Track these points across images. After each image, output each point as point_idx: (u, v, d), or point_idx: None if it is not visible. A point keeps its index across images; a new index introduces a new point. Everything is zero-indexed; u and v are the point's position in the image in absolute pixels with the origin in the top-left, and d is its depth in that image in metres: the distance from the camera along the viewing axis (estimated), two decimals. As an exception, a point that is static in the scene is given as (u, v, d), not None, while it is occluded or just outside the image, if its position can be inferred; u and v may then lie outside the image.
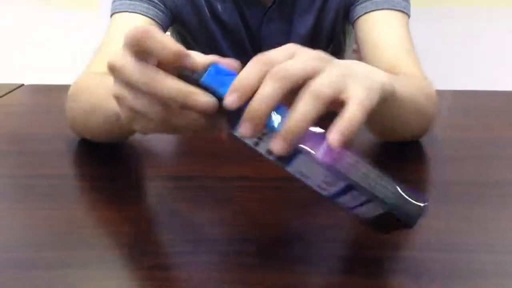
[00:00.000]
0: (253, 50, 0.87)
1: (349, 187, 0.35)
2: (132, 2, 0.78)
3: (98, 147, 0.67)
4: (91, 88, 0.61)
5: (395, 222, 0.36)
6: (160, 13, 0.80)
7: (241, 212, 0.51)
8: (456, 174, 0.60)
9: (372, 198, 0.35)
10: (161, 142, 0.71)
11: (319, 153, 0.34)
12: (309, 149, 0.34)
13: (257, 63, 0.35)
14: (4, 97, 0.92)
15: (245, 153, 0.39)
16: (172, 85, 0.34)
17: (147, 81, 0.35)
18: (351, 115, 0.34)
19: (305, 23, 0.83)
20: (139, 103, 0.36)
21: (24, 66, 2.52)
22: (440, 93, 0.66)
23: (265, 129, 0.34)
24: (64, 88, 0.96)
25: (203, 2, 0.82)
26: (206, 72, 0.35)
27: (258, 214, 0.51)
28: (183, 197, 0.54)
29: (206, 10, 0.83)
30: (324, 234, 0.47)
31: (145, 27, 0.35)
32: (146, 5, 0.78)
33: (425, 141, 0.67)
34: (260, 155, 0.36)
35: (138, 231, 0.48)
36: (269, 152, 0.35)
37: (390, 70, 0.69)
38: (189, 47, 0.86)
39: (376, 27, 0.76)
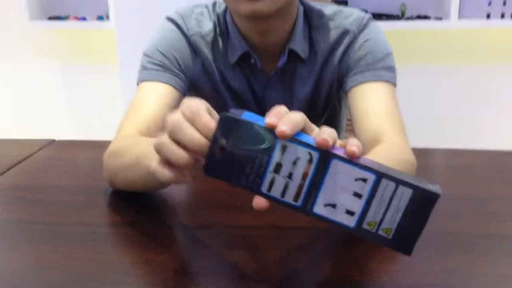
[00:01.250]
0: (258, 111, 0.96)
1: (379, 178, 0.42)
2: (157, 73, 0.88)
3: (126, 198, 0.75)
4: (130, 148, 0.70)
5: (423, 208, 0.42)
6: (181, 82, 0.90)
7: (252, 256, 0.58)
8: (455, 225, 0.67)
9: (399, 183, 0.42)
10: (184, 193, 0.79)
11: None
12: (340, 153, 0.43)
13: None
14: (38, 152, 1.01)
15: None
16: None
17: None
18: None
19: (304, 90, 0.93)
20: (180, 156, 0.45)
21: (52, 121, 2.65)
22: (441, 151, 0.74)
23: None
24: (91, 144, 1.06)
25: (216, 71, 0.93)
26: (244, 113, 0.45)
27: (269, 257, 0.58)
28: (204, 243, 0.62)
29: (218, 79, 0.93)
30: (329, 282, 0.54)
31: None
32: (169, 75, 0.89)
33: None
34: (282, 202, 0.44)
35: (167, 270, 0.55)
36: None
37: (375, 139, 0.77)
38: None
39: (363, 97, 0.84)
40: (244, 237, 0.63)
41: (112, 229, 0.69)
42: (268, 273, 0.54)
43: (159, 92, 0.87)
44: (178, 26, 0.92)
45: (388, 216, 0.43)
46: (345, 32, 0.89)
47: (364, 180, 0.43)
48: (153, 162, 0.49)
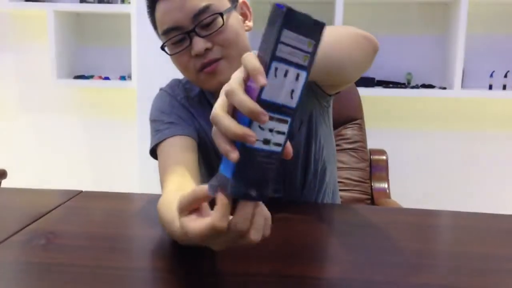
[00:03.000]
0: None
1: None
2: (170, 130, 0.99)
3: (147, 244, 0.82)
4: (167, 206, 0.79)
5: None
6: (192, 131, 1.01)
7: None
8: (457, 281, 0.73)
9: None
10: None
11: None
12: None
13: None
14: (67, 202, 1.09)
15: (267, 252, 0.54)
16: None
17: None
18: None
19: None
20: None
21: (76, 173, 2.75)
22: (442, 212, 0.81)
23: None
24: (115, 195, 1.14)
25: (209, 128, 1.04)
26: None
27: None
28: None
29: (208, 135, 1.04)
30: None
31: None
32: (181, 128, 1.00)
33: (429, 253, 0.81)
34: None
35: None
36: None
37: None
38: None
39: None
40: (246, 284, 0.69)
41: (142, 274, 0.76)
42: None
43: (179, 143, 0.97)
44: (169, 94, 1.06)
45: None
46: None
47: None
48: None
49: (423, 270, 0.74)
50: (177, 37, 0.94)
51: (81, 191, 1.17)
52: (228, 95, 0.50)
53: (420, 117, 2.49)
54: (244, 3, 1.02)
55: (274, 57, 0.48)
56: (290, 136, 0.53)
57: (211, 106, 1.03)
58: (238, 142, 0.50)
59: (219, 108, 0.51)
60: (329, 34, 0.70)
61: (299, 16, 0.48)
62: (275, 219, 0.98)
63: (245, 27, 1.00)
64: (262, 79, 0.47)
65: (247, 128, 0.49)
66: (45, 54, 2.58)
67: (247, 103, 0.47)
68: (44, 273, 0.75)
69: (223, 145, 0.50)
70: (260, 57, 0.50)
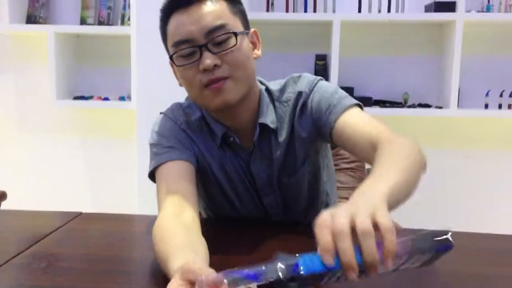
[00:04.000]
0: (250, 185, 1.08)
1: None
2: (169, 154, 1.00)
3: (146, 267, 0.83)
4: (162, 234, 0.82)
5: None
6: (191, 157, 1.02)
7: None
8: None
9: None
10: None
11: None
12: None
13: (321, 229, 0.57)
14: (66, 224, 1.10)
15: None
16: None
17: None
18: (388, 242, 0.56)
19: (281, 152, 1.05)
20: None
21: (75, 194, 2.76)
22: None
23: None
24: (114, 217, 1.15)
25: (208, 154, 1.05)
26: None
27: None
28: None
29: (211, 161, 1.05)
30: None
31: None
32: (179, 153, 1.00)
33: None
34: None
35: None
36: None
37: (373, 147, 0.89)
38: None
39: (344, 130, 0.97)
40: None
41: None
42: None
43: (177, 168, 0.98)
44: (169, 118, 1.06)
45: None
46: (300, 94, 1.04)
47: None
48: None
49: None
50: (187, 50, 0.94)
51: (81, 213, 1.18)
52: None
53: (416, 136, 2.50)
54: (255, 32, 1.05)
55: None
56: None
57: (210, 131, 1.04)
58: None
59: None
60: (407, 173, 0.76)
61: None
62: (274, 240, 1.00)
63: (254, 55, 1.02)
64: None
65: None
66: (45, 75, 2.61)
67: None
68: (45, 296, 0.75)
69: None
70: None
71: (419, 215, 2.45)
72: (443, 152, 2.55)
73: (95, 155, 2.75)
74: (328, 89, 1.03)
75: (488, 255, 0.94)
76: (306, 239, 0.96)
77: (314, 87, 1.04)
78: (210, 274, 0.57)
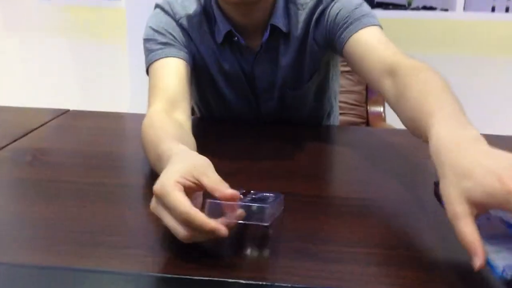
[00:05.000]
0: (249, 88, 1.02)
1: None
2: (164, 50, 0.92)
3: (136, 162, 0.80)
4: (151, 126, 0.77)
5: None
6: (187, 55, 0.94)
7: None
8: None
9: None
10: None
11: None
12: None
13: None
14: (53, 120, 1.05)
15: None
16: (203, 224, 0.49)
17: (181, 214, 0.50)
18: None
19: (287, 60, 0.98)
20: (171, 224, 0.52)
21: (64, 94, 2.70)
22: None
23: None
24: (101, 114, 1.11)
25: (207, 52, 0.98)
26: None
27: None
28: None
29: (210, 59, 0.98)
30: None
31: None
32: (175, 50, 0.93)
33: (424, 170, 0.79)
34: None
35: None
36: None
37: (388, 70, 0.79)
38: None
39: (359, 44, 0.88)
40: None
41: (126, 190, 0.73)
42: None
43: (171, 66, 0.91)
44: (166, 11, 0.97)
45: None
46: (319, 2, 0.94)
47: None
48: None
49: (417, 187, 0.73)
50: None
51: (68, 110, 1.13)
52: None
53: (420, 40, 2.41)
54: None
55: None
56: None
57: (210, 27, 0.96)
58: None
59: None
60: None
61: None
62: (274, 140, 0.96)
63: None
64: None
65: None
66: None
67: None
68: (30, 188, 0.72)
69: None
70: None
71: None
72: (447, 57, 2.47)
73: (84, 55, 2.65)
74: (350, 2, 0.93)
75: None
76: (306, 142, 0.92)
77: None
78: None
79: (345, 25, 0.91)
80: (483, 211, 0.48)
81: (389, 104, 0.79)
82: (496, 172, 0.46)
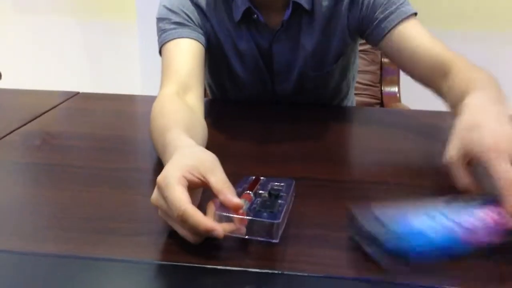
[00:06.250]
0: (265, 68, 0.98)
1: None
2: (177, 31, 0.90)
3: (148, 146, 0.78)
4: (161, 110, 0.75)
5: None
6: (201, 35, 0.92)
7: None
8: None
9: None
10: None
11: None
12: None
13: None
14: (63, 103, 1.04)
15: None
16: (198, 222, 0.47)
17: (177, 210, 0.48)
18: None
19: (311, 42, 0.94)
20: (169, 219, 0.51)
21: (76, 74, 2.68)
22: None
23: None
24: (112, 97, 1.09)
25: (222, 32, 0.94)
26: None
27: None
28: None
29: (225, 39, 0.95)
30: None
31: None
32: (188, 30, 0.90)
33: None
34: None
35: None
36: None
37: (440, 69, 0.81)
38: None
39: (403, 40, 0.86)
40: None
41: (136, 175, 0.72)
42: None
43: (185, 47, 0.88)
44: None
45: None
46: None
47: None
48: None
49: (435, 170, 0.70)
50: None
51: (79, 92, 1.11)
52: None
53: (434, 14, 2.35)
54: None
55: None
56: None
57: (227, 4, 0.93)
58: None
59: None
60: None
61: None
62: (289, 122, 0.94)
63: None
64: None
65: None
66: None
67: None
68: (40, 173, 0.71)
69: None
70: None
71: (434, 100, 2.38)
72: (464, 33, 2.41)
73: (94, 36, 2.63)
74: None
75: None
76: (320, 124, 0.90)
77: None
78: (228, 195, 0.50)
79: (384, 14, 0.88)
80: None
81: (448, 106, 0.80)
82: (496, 136, 0.54)
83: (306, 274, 0.47)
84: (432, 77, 0.83)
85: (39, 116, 0.95)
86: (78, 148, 0.81)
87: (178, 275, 0.48)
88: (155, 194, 0.52)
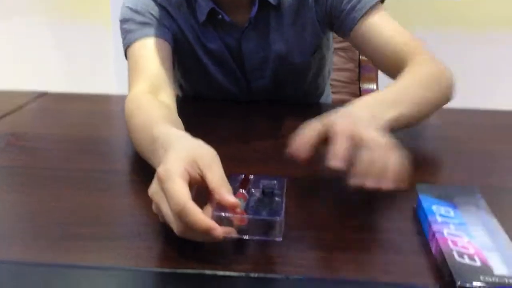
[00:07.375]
0: (237, 67, 0.95)
1: None
2: (143, 30, 0.86)
3: (117, 147, 0.74)
4: (138, 107, 0.71)
5: None
6: (167, 34, 0.87)
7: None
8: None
9: None
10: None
11: None
12: None
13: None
14: (31, 103, 0.99)
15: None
16: (197, 220, 0.44)
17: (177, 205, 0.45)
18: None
19: (281, 37, 0.91)
20: (166, 213, 0.47)
21: (48, 75, 2.61)
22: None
23: None
24: (82, 97, 1.04)
25: (189, 33, 0.91)
26: None
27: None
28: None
29: (193, 40, 0.91)
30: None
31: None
32: (154, 30, 0.86)
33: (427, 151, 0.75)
34: None
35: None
36: None
37: (398, 59, 0.80)
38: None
39: (371, 29, 0.85)
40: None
41: (107, 176, 0.67)
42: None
43: (151, 46, 0.84)
44: None
45: None
46: None
47: None
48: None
49: (420, 169, 0.69)
50: None
51: (47, 92, 1.06)
52: None
53: (413, 12, 2.35)
54: None
55: None
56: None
57: (190, 5, 0.89)
58: None
59: None
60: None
61: None
62: (267, 120, 0.91)
63: None
64: None
65: None
66: None
67: None
68: (3, 177, 0.67)
69: None
70: None
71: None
72: (441, 33, 2.42)
73: (66, 36, 2.56)
74: None
75: (492, 131, 0.87)
76: (299, 122, 0.87)
77: None
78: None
79: (352, 3, 0.86)
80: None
81: None
82: (341, 117, 0.59)
83: (298, 277, 0.44)
84: (393, 70, 0.81)
85: (2, 117, 0.89)
86: (45, 149, 0.76)
87: (158, 281, 0.45)
88: (154, 187, 0.48)
